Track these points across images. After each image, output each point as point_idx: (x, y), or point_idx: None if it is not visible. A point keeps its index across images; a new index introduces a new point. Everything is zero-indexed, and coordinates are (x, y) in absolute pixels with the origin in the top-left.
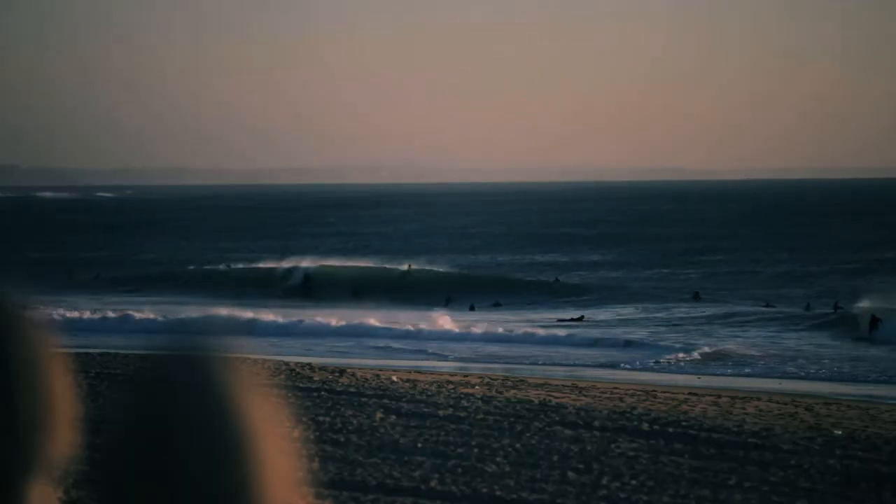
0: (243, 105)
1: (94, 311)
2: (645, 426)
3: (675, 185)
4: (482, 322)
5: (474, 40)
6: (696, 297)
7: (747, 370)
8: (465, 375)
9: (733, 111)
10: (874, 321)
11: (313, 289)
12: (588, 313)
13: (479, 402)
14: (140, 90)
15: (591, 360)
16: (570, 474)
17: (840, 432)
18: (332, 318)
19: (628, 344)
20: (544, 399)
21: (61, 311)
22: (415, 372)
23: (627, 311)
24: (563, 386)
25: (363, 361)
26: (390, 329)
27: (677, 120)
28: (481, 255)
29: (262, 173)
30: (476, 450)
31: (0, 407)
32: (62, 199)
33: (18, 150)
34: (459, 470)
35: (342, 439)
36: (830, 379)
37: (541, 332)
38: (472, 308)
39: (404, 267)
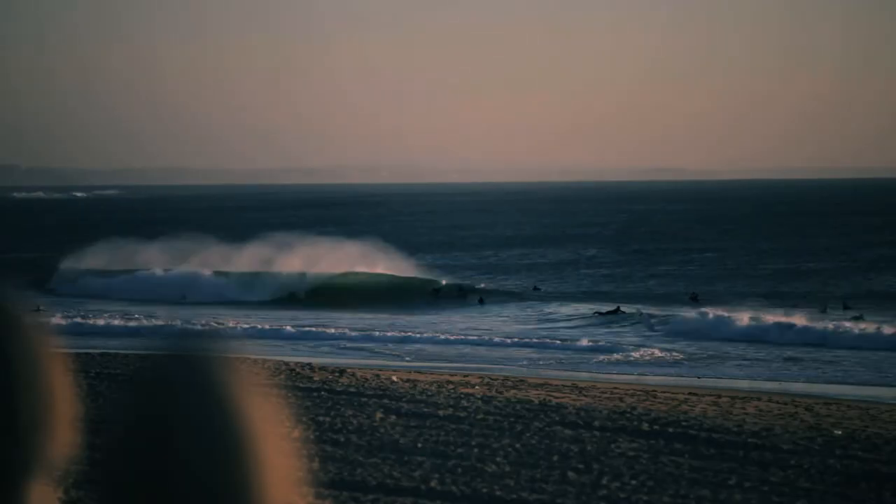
0: (243, 105)
1: None
2: (645, 426)
3: (676, 186)
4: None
5: (474, 40)
6: (693, 299)
7: (673, 370)
8: (465, 375)
9: (733, 111)
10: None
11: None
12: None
13: (479, 402)
14: (140, 90)
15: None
16: (570, 474)
17: (840, 432)
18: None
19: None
20: (544, 399)
21: None
22: (415, 372)
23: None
24: (563, 386)
25: (363, 361)
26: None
27: (677, 120)
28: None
29: (262, 173)
30: (476, 450)
31: (0, 407)
32: (32, 199)
33: (18, 150)
34: (459, 470)
35: (342, 439)
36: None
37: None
38: (481, 301)
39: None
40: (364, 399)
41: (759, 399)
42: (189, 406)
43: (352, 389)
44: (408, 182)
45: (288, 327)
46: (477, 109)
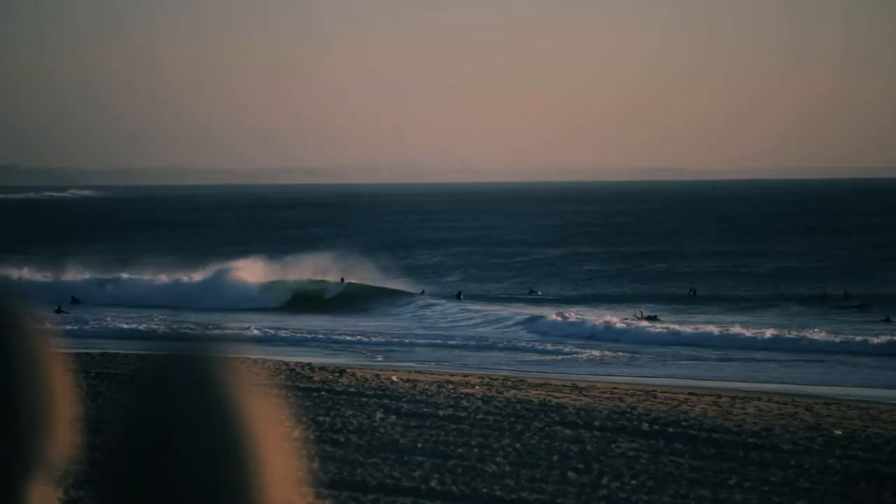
0: (243, 105)
1: None
2: (645, 426)
3: (676, 186)
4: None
5: (474, 40)
6: (693, 295)
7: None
8: (465, 375)
9: (734, 111)
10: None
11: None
12: (575, 310)
13: (479, 402)
14: (140, 90)
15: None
16: (570, 474)
17: (840, 432)
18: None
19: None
20: (544, 399)
21: None
22: (415, 372)
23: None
24: (563, 386)
25: (362, 361)
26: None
27: (677, 120)
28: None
29: (262, 173)
30: (476, 450)
31: (0, 407)
32: (10, 200)
33: (18, 150)
34: (459, 470)
35: (342, 439)
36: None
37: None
38: (458, 295)
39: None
40: (364, 399)
41: (759, 399)
42: (189, 406)
43: (352, 389)
44: (408, 182)
45: (254, 329)
46: (477, 109)
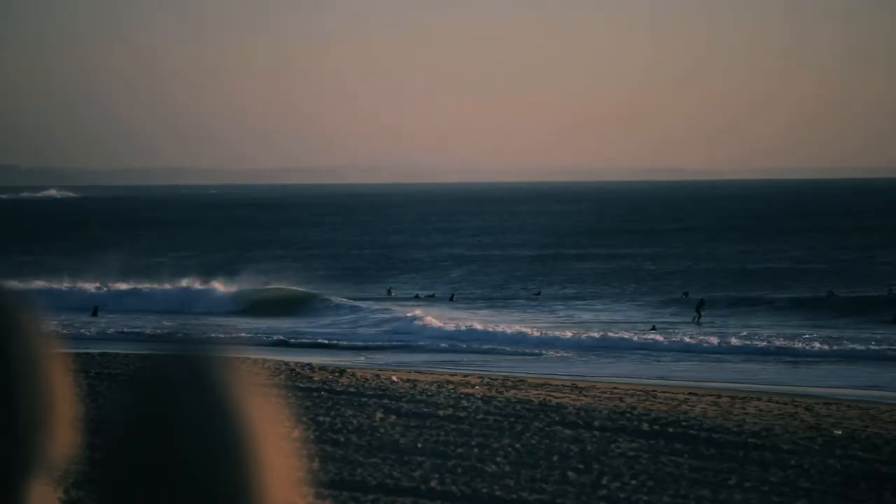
0: (244, 105)
1: None
2: (645, 426)
3: (675, 186)
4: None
5: (474, 40)
6: (686, 296)
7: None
8: (465, 375)
9: (734, 111)
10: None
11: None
12: (567, 314)
13: (479, 402)
14: (141, 90)
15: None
16: (570, 474)
17: (840, 432)
18: None
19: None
20: (544, 399)
21: None
22: (415, 372)
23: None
24: (563, 386)
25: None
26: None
27: (677, 120)
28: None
29: (262, 173)
30: (476, 450)
31: (0, 407)
32: None
33: (18, 150)
34: (459, 470)
35: (342, 439)
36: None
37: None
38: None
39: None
40: (364, 399)
41: (759, 399)
42: (189, 406)
43: (352, 389)
44: (408, 182)
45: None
46: (477, 109)
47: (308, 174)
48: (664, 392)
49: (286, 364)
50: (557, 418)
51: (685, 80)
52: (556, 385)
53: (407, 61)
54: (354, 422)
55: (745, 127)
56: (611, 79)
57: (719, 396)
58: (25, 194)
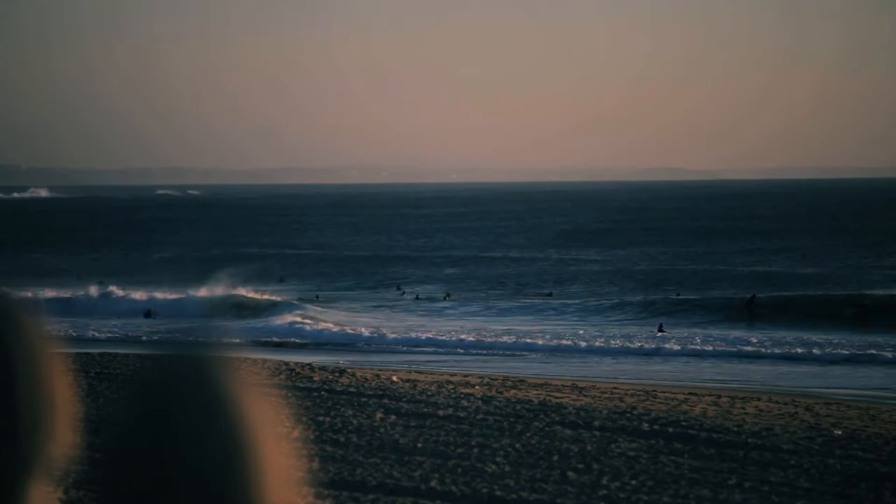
0: (244, 106)
1: None
2: (645, 426)
3: (675, 186)
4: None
5: (474, 41)
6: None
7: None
8: (465, 375)
9: (733, 111)
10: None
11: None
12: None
13: (479, 402)
14: (141, 90)
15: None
16: (570, 474)
17: (840, 432)
18: None
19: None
20: (544, 399)
21: None
22: (415, 372)
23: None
24: (563, 386)
25: (358, 359)
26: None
27: (677, 120)
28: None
29: (262, 173)
30: (476, 450)
31: (0, 407)
32: None
33: (18, 150)
34: (459, 470)
35: (342, 439)
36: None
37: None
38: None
39: None
40: (364, 399)
41: (759, 399)
42: (189, 406)
43: (352, 389)
44: (408, 182)
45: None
46: (477, 110)
47: (308, 174)
48: (664, 392)
49: (286, 364)
50: (557, 418)
51: (685, 80)
52: (556, 385)
53: (407, 61)
54: (354, 422)
55: (745, 127)
56: (611, 79)
57: (719, 396)
58: (15, 195)
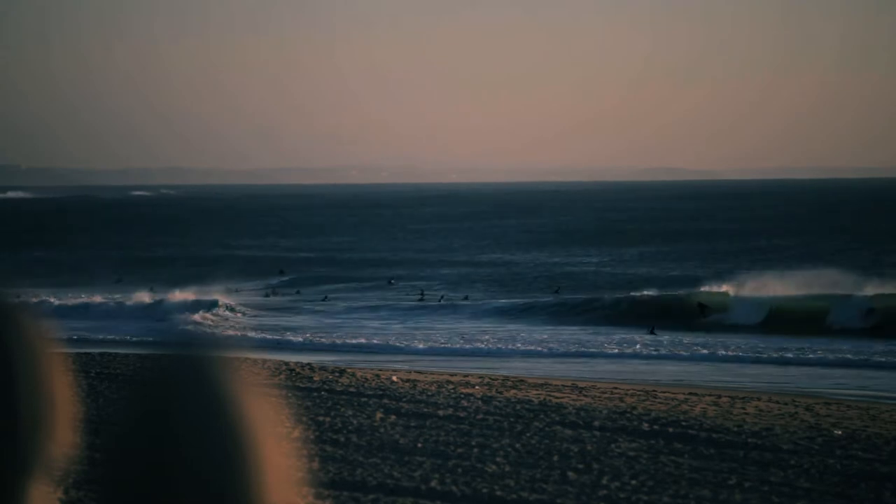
0: (244, 106)
1: None
2: (645, 426)
3: (674, 185)
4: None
5: (475, 41)
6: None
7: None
8: (465, 375)
9: (733, 111)
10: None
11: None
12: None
13: (479, 402)
14: (141, 90)
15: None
16: (570, 474)
17: (840, 432)
18: None
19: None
20: (544, 399)
21: None
22: (415, 372)
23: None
24: (563, 386)
25: (363, 362)
26: None
27: (677, 120)
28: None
29: (262, 173)
30: (476, 450)
31: (0, 407)
32: None
33: (18, 150)
34: (459, 470)
35: (342, 439)
36: None
37: None
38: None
39: None
40: (364, 399)
41: (759, 399)
42: (189, 406)
43: (352, 389)
44: (408, 182)
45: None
46: (477, 109)
47: (308, 174)
48: (664, 392)
49: (286, 364)
50: (557, 418)
51: (684, 79)
52: (556, 385)
53: (407, 61)
54: (354, 422)
55: (745, 127)
56: (610, 79)
57: (719, 396)
58: None
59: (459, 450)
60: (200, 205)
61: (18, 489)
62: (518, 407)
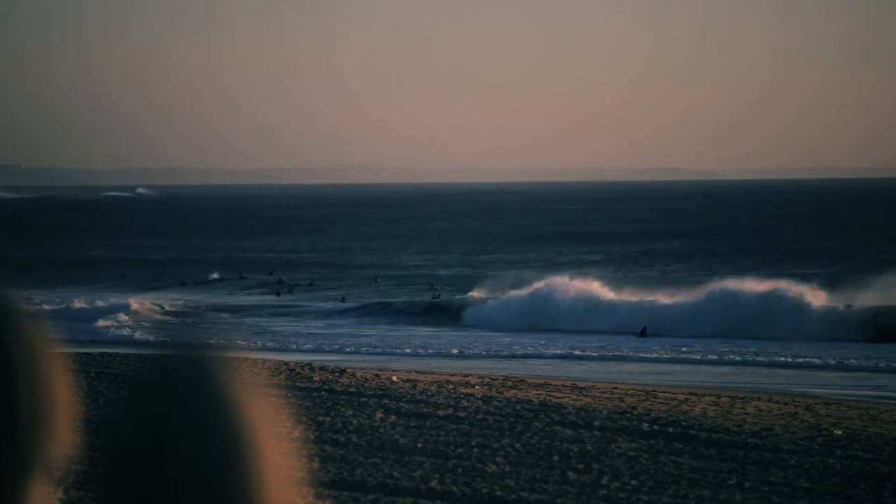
0: (244, 106)
1: None
2: (645, 426)
3: (674, 185)
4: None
5: (475, 41)
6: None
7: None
8: (465, 375)
9: (733, 111)
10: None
11: None
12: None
13: (479, 402)
14: (142, 90)
15: None
16: (570, 474)
17: (840, 432)
18: None
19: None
20: (544, 399)
21: None
22: (415, 372)
23: None
24: (563, 386)
25: (363, 362)
26: None
27: (677, 120)
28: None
29: (262, 173)
30: (476, 450)
31: (0, 407)
32: None
33: (18, 150)
34: (459, 470)
35: (342, 439)
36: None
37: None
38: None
39: None
40: (364, 399)
41: (759, 399)
42: (189, 406)
43: (352, 389)
44: (408, 182)
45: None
46: (477, 109)
47: (308, 174)
48: (664, 392)
49: (286, 364)
50: (557, 418)
51: (684, 79)
52: (556, 385)
53: (407, 61)
54: (354, 422)
55: (745, 127)
56: (610, 79)
57: (719, 396)
58: None
59: (459, 450)
60: (173, 205)
61: (18, 489)
62: (518, 407)
